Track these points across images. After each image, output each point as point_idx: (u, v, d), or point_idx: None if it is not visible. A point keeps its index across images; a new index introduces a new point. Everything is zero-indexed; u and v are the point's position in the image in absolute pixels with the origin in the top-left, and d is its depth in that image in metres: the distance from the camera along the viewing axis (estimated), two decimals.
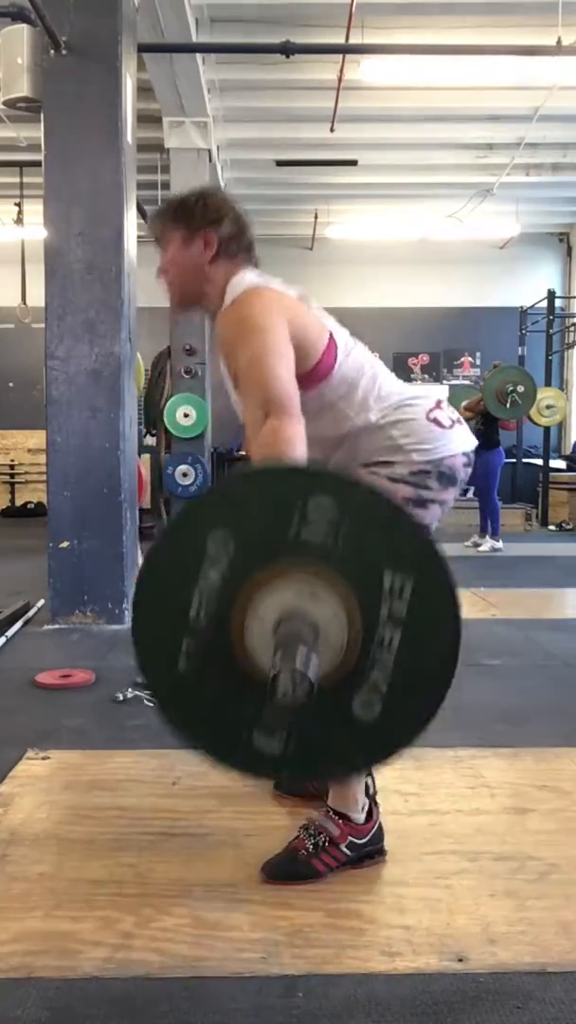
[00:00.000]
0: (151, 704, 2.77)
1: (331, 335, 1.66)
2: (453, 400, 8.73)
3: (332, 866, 1.65)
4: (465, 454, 1.69)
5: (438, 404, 1.71)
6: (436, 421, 1.67)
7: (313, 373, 1.62)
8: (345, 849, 1.66)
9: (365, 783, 1.96)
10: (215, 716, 1.23)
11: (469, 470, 1.71)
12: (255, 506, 1.16)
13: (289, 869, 1.65)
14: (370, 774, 1.99)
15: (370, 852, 1.70)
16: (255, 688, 1.16)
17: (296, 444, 1.41)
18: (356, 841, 1.67)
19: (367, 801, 1.72)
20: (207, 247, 1.70)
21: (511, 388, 7.16)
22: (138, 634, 1.22)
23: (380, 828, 1.72)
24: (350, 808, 1.69)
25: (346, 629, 1.15)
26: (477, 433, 8.10)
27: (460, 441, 1.69)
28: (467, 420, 7.67)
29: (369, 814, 1.71)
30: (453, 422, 1.70)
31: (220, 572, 1.16)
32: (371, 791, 1.97)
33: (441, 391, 11.09)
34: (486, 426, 7.25)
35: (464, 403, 7.86)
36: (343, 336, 1.70)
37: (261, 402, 1.46)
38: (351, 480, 1.23)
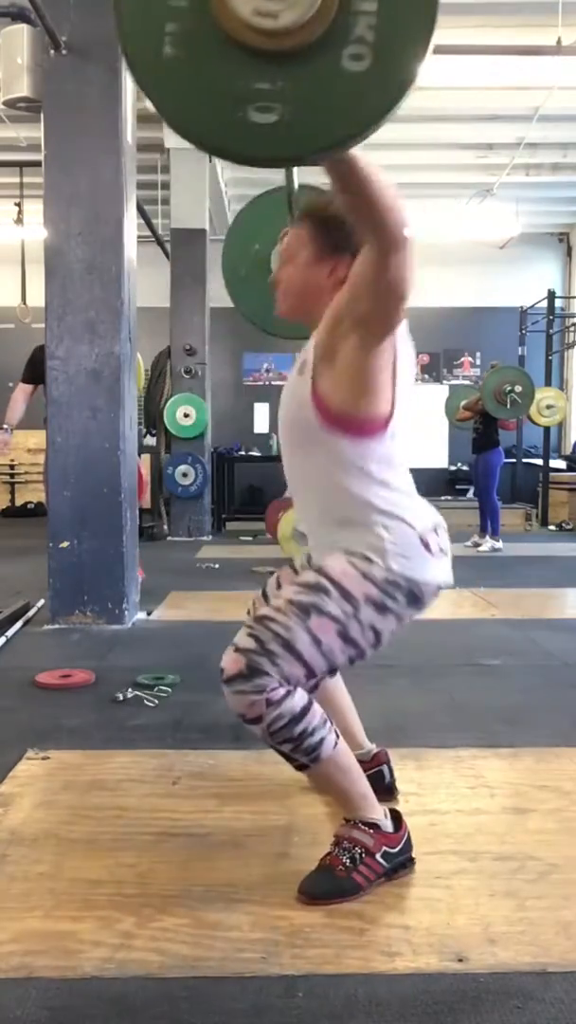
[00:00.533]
0: (151, 704, 2.78)
1: (393, 408, 1.63)
2: (452, 400, 8.73)
3: (371, 879, 1.61)
4: (439, 587, 1.66)
5: (435, 529, 1.68)
6: (426, 544, 1.64)
7: (360, 423, 1.60)
8: (380, 859, 1.62)
9: (381, 770, 1.96)
10: (208, 99, 1.20)
11: (435, 602, 1.68)
12: None
13: (331, 886, 1.59)
14: (387, 762, 2.00)
15: (403, 862, 1.66)
16: (244, 60, 1.16)
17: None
18: (390, 851, 1.64)
19: (386, 808, 1.69)
20: (332, 275, 1.67)
21: (509, 388, 7.16)
22: (120, 26, 1.19)
23: (410, 838, 1.69)
24: (374, 815, 1.65)
25: None
26: (476, 433, 8.10)
27: (440, 573, 1.66)
28: (466, 420, 7.66)
29: (398, 823, 1.68)
30: (441, 552, 1.67)
31: None
32: (387, 780, 1.97)
33: (441, 392, 11.12)
34: (485, 426, 7.26)
35: (463, 402, 7.87)
36: (403, 416, 1.66)
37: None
38: None
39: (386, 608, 1.60)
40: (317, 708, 1.60)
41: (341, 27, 1.16)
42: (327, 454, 1.64)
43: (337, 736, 1.62)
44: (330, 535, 1.68)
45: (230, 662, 1.55)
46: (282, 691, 1.53)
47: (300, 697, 1.57)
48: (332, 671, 1.66)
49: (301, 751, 1.58)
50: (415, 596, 1.62)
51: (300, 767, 1.64)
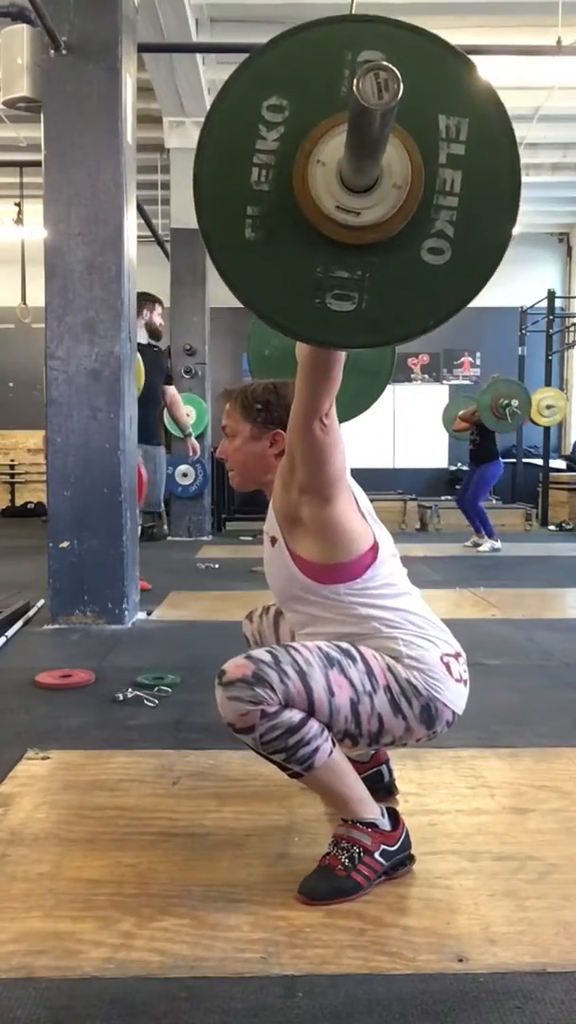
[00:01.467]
0: (151, 704, 2.78)
1: (375, 539, 1.67)
2: (450, 409, 8.72)
3: (371, 878, 1.60)
4: (455, 715, 1.66)
5: (456, 655, 1.69)
6: (448, 667, 1.64)
7: (350, 566, 1.64)
8: (379, 858, 1.62)
9: (380, 770, 1.96)
10: (286, 282, 1.21)
11: (447, 730, 1.67)
12: (304, 66, 1.17)
13: (331, 887, 1.58)
14: (386, 761, 2.00)
15: (402, 860, 1.66)
16: (324, 249, 1.17)
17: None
18: (388, 849, 1.64)
19: (383, 806, 1.69)
20: (274, 445, 1.75)
21: (506, 402, 7.14)
22: (202, 210, 1.20)
23: (408, 835, 1.69)
24: (372, 813, 1.65)
25: (408, 168, 1.15)
26: (473, 445, 8.09)
27: (458, 700, 1.66)
28: (462, 431, 7.65)
29: (396, 821, 1.68)
30: (461, 679, 1.68)
31: (278, 135, 1.17)
32: (386, 779, 1.97)
33: (441, 392, 11.13)
34: (482, 438, 7.25)
35: (460, 413, 7.86)
36: (387, 545, 1.71)
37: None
38: (402, 25, 1.21)
39: (399, 708, 1.59)
40: (315, 719, 1.56)
41: (422, 220, 1.18)
42: (328, 602, 1.67)
43: (334, 744, 1.59)
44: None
45: (234, 666, 1.52)
46: (277, 707, 1.51)
47: (294, 712, 1.53)
48: (327, 728, 1.59)
49: (294, 761, 1.55)
50: (430, 713, 1.61)
51: (293, 775, 1.62)
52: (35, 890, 1.62)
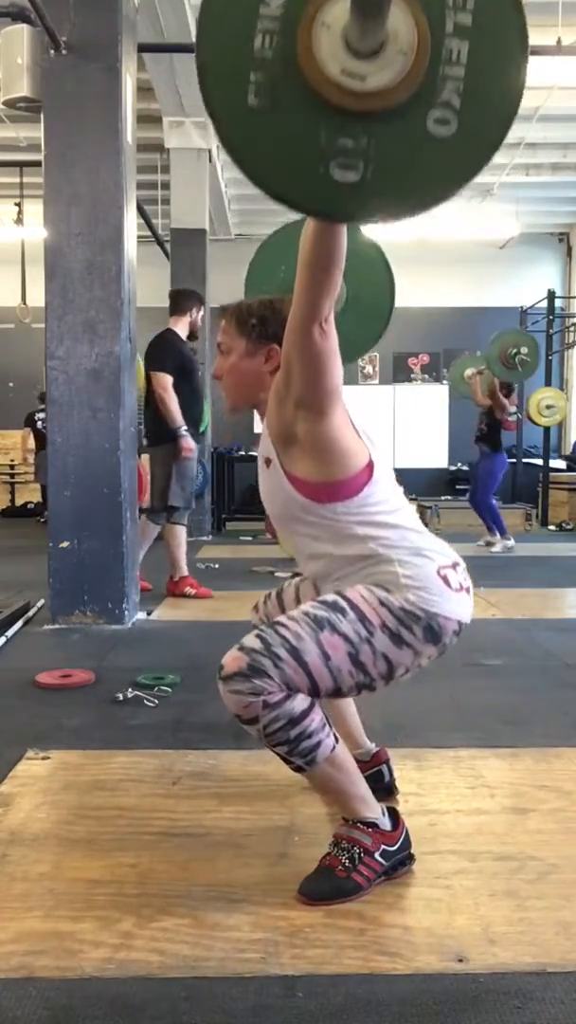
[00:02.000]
0: (151, 704, 2.78)
1: (371, 457, 1.67)
2: (459, 367, 8.55)
3: (371, 878, 1.60)
4: (460, 624, 1.65)
5: (454, 565, 1.68)
6: (445, 579, 1.63)
7: (346, 484, 1.63)
8: (379, 858, 1.62)
9: (381, 770, 1.96)
10: (290, 153, 1.19)
11: (456, 640, 1.67)
12: None
13: (331, 887, 1.58)
14: (387, 761, 2.00)
15: (402, 859, 1.66)
16: (329, 116, 1.15)
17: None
18: (388, 849, 1.63)
19: (383, 806, 1.68)
20: (269, 361, 1.73)
21: (515, 351, 7.11)
22: (203, 74, 1.17)
23: (408, 835, 1.69)
24: (373, 813, 1.65)
25: (415, 34, 1.13)
26: (480, 433, 8.01)
27: (460, 609, 1.65)
28: (484, 408, 7.41)
29: (396, 821, 1.68)
30: (461, 588, 1.67)
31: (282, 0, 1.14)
32: (387, 779, 1.97)
33: (441, 391, 11.13)
34: (490, 428, 7.23)
35: (468, 372, 7.62)
36: (382, 463, 1.70)
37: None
38: None
39: (401, 640, 1.58)
40: (318, 712, 1.57)
41: (428, 91, 1.16)
42: (326, 521, 1.66)
43: (336, 740, 1.59)
44: (343, 580, 1.68)
45: (231, 659, 1.53)
46: (280, 695, 1.51)
47: (301, 701, 1.54)
48: (338, 694, 1.62)
49: (297, 754, 1.55)
50: (433, 631, 1.61)
51: (296, 769, 1.62)
52: (35, 890, 1.62)
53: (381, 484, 1.67)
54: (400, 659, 1.60)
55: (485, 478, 7.27)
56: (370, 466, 1.66)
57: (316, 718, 1.56)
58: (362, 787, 1.66)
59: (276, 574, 5.24)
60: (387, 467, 1.72)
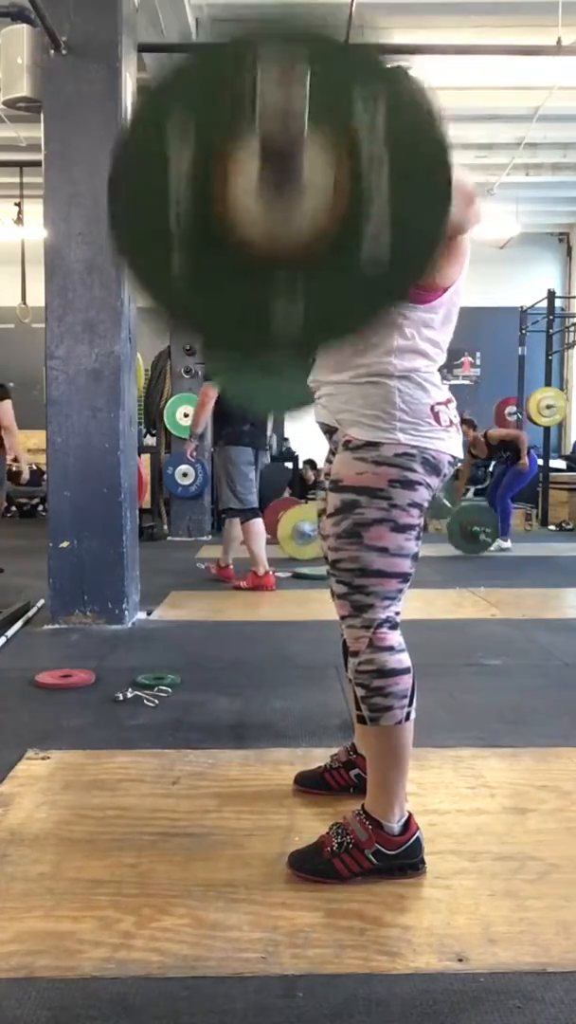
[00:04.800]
0: (151, 704, 2.78)
1: (452, 283, 1.66)
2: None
3: (354, 870, 1.62)
4: (453, 457, 1.69)
5: (447, 402, 1.69)
6: (436, 415, 1.65)
7: (420, 288, 1.59)
8: (371, 856, 1.62)
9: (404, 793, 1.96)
10: (227, 308, 1.16)
11: (452, 469, 1.71)
12: (206, 78, 1.11)
13: (310, 864, 1.64)
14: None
15: (402, 865, 1.65)
16: (257, 263, 1.13)
17: None
18: (384, 851, 1.63)
19: (407, 813, 1.68)
20: None
21: (478, 528, 6.94)
22: (125, 254, 1.16)
23: (418, 842, 1.67)
24: (385, 815, 1.65)
25: (332, 167, 1.10)
26: (505, 463, 7.80)
27: (449, 443, 1.67)
28: (478, 459, 7.28)
29: (406, 827, 1.67)
30: (451, 424, 1.69)
31: (189, 152, 1.10)
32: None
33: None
34: (514, 452, 7.18)
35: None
36: (455, 294, 1.70)
37: None
38: (299, 30, 1.14)
39: (411, 481, 1.63)
40: (409, 681, 1.65)
41: (355, 215, 1.13)
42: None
43: (407, 719, 1.65)
44: (342, 392, 1.67)
45: (339, 606, 1.69)
46: (391, 640, 1.63)
47: (399, 659, 1.64)
48: (415, 558, 1.69)
49: (368, 704, 1.64)
50: (431, 463, 1.65)
51: (359, 719, 1.71)
52: (35, 890, 1.62)
53: (437, 314, 1.68)
54: (421, 496, 1.65)
55: (512, 478, 7.27)
56: (443, 292, 1.65)
57: (401, 683, 1.63)
58: (395, 786, 1.67)
59: (275, 573, 5.24)
60: (453, 308, 1.73)
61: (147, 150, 1.13)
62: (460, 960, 1.40)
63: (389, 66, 1.15)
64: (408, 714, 1.65)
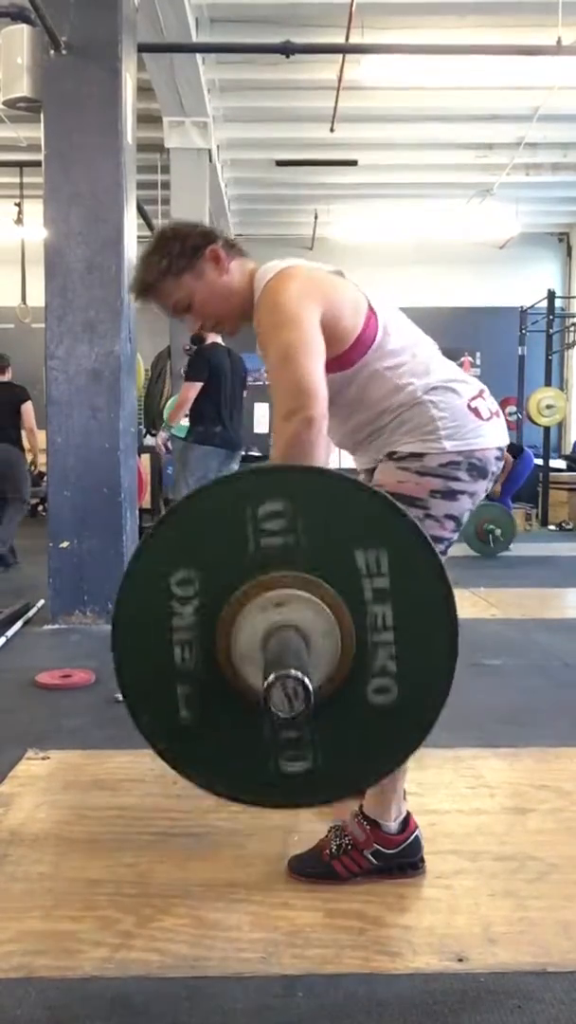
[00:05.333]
0: None
1: (371, 309, 1.63)
2: None
3: (354, 871, 1.62)
4: (499, 448, 1.66)
5: (480, 393, 1.68)
6: (476, 411, 1.63)
7: (352, 350, 1.60)
8: (370, 856, 1.63)
9: (403, 790, 1.96)
10: (235, 754, 1.17)
11: (501, 464, 1.68)
12: (207, 534, 1.12)
13: (309, 866, 1.64)
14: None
15: (401, 864, 1.66)
16: (263, 715, 1.11)
17: (317, 448, 1.40)
18: (383, 851, 1.64)
19: (404, 812, 1.68)
20: (219, 262, 1.65)
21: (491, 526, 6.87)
22: (129, 697, 1.18)
23: (416, 841, 1.68)
24: (382, 815, 1.65)
25: (335, 624, 1.11)
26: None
27: (495, 435, 1.66)
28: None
29: (404, 825, 1.67)
30: (492, 414, 1.67)
31: (193, 609, 1.12)
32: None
33: None
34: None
35: None
36: (386, 310, 1.66)
37: (288, 398, 1.43)
38: (294, 471, 1.17)
39: (453, 492, 1.60)
40: None
41: (362, 663, 1.13)
42: (362, 384, 1.63)
43: None
44: (381, 433, 1.66)
45: None
46: None
47: None
48: None
49: None
50: (478, 467, 1.62)
51: None
52: (35, 890, 1.62)
53: (391, 331, 1.64)
54: (461, 508, 1.62)
55: (510, 477, 7.27)
56: (372, 317, 1.62)
57: None
58: (392, 784, 1.65)
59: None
60: (392, 309, 1.69)
61: (149, 599, 1.14)
62: (460, 960, 1.40)
63: (393, 519, 1.15)
64: None
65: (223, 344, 4.94)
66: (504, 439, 1.68)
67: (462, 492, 1.61)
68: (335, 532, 1.13)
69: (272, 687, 0.99)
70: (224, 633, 1.12)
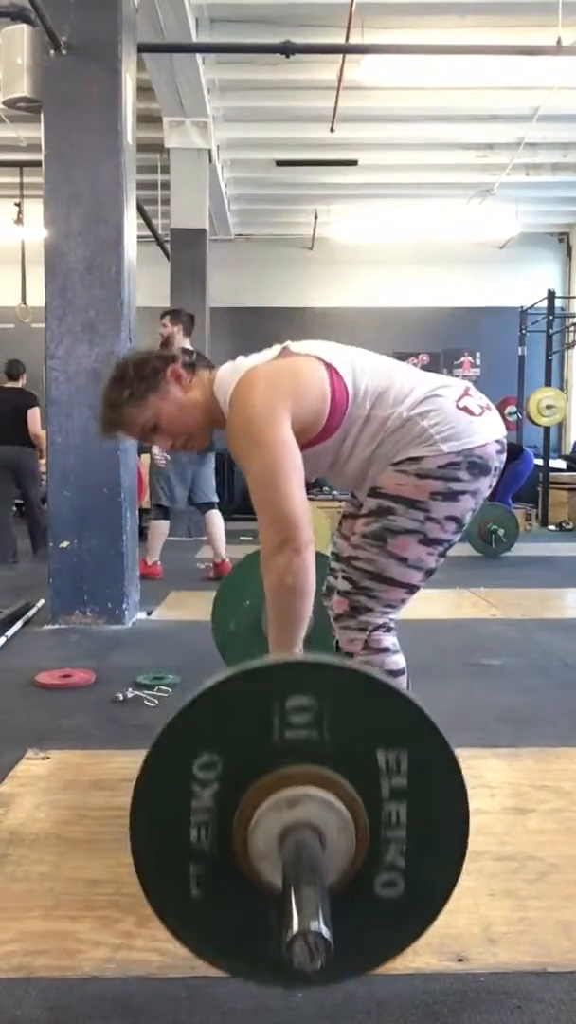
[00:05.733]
0: (151, 704, 2.78)
1: (331, 371, 1.64)
2: None
3: None
4: (498, 441, 1.66)
5: (466, 392, 1.68)
6: (466, 409, 1.64)
7: (331, 419, 1.63)
8: None
9: None
10: (241, 932, 1.18)
11: (503, 457, 1.68)
12: (232, 720, 1.13)
13: None
14: None
15: None
16: (272, 902, 1.13)
17: (307, 578, 1.48)
18: None
19: None
20: (180, 379, 1.70)
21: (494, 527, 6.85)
22: (141, 869, 1.19)
23: None
24: None
25: (352, 823, 1.13)
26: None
27: (491, 429, 1.66)
28: None
29: None
30: (483, 409, 1.67)
31: (212, 792, 1.13)
32: None
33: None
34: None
35: None
36: (344, 361, 1.67)
37: (273, 530, 1.50)
38: (326, 666, 1.19)
39: (455, 493, 1.61)
40: (404, 683, 1.67)
41: (371, 857, 1.15)
42: (348, 439, 1.66)
43: None
44: (377, 460, 1.68)
45: (336, 603, 1.69)
46: (385, 642, 1.64)
47: (395, 661, 1.66)
48: (431, 573, 1.68)
49: None
50: (478, 465, 1.62)
51: None
52: (35, 890, 1.62)
53: (365, 371, 1.66)
54: (463, 508, 1.63)
55: (510, 478, 7.27)
56: (337, 380, 1.63)
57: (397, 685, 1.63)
58: None
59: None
60: (351, 352, 1.71)
61: (171, 780, 1.16)
62: (460, 960, 1.40)
63: (418, 722, 1.17)
64: None
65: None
66: (501, 430, 1.69)
67: (463, 492, 1.61)
68: (359, 730, 1.15)
69: (295, 942, 1.00)
70: (243, 820, 1.13)
